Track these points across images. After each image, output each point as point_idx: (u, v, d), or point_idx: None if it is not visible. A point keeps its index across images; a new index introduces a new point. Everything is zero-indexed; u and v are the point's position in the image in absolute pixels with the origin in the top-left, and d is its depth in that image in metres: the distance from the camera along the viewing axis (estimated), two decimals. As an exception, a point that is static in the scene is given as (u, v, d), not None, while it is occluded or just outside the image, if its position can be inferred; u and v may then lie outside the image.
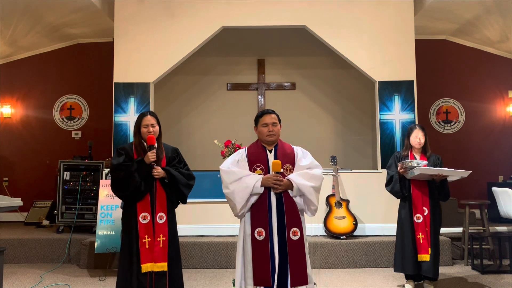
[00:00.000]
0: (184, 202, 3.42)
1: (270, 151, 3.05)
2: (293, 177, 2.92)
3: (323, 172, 3.06)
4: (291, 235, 2.88)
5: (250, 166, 3.01)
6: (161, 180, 3.27)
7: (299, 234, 2.89)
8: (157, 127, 3.33)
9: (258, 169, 2.99)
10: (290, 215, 2.90)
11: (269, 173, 2.95)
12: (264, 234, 2.87)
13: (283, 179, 2.90)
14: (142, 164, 3.21)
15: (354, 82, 7.51)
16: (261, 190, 2.89)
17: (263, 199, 2.90)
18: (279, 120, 3.13)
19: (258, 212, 2.91)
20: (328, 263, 5.23)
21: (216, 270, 5.21)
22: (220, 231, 5.68)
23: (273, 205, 2.90)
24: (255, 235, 2.88)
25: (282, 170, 2.94)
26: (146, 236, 3.19)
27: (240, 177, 2.92)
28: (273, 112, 3.13)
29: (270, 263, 2.82)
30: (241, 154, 3.08)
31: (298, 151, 3.09)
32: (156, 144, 3.29)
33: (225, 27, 6.18)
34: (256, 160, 3.02)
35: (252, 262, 2.86)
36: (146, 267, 3.15)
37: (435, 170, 4.05)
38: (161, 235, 3.21)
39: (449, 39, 7.65)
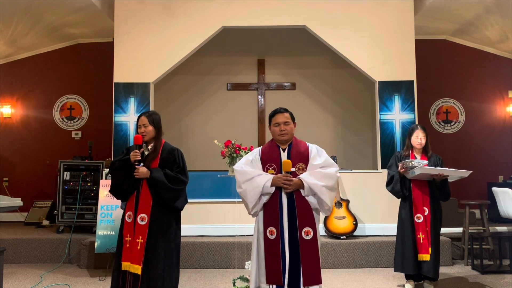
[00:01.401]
0: (176, 206, 3.25)
1: (284, 150, 3.03)
2: (304, 176, 2.90)
3: (337, 171, 3.00)
4: (303, 234, 2.86)
5: (263, 166, 3.00)
6: (149, 180, 3.23)
7: (311, 233, 2.87)
8: (149, 127, 3.28)
9: (270, 168, 2.98)
10: (302, 214, 2.88)
11: (281, 172, 2.93)
12: (275, 233, 2.87)
13: (293, 178, 2.88)
14: (127, 163, 3.21)
15: (354, 82, 7.51)
16: (272, 190, 2.88)
17: (274, 198, 2.90)
18: (293, 119, 3.10)
19: (269, 211, 2.91)
20: (328, 263, 5.24)
21: (216, 270, 5.21)
22: (220, 231, 5.68)
23: (284, 205, 2.89)
24: (267, 234, 2.89)
25: (293, 169, 2.92)
26: (128, 235, 3.18)
27: (252, 177, 2.92)
28: (286, 110, 3.10)
29: (281, 262, 2.82)
30: (255, 154, 3.07)
31: (313, 149, 3.05)
32: (150, 145, 3.28)
33: (225, 27, 6.18)
34: (269, 160, 3.01)
35: (264, 260, 2.87)
36: (124, 265, 3.16)
37: (436, 170, 4.06)
38: (140, 237, 3.15)
39: (449, 39, 7.65)
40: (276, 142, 3.09)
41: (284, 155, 3.01)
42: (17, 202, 3.86)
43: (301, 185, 2.88)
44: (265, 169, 2.99)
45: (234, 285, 3.99)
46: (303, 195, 2.89)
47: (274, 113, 3.11)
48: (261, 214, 2.95)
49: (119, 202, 4.84)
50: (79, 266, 5.35)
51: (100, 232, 5.00)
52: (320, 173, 2.92)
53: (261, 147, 3.15)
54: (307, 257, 2.84)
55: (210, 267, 5.29)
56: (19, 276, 4.90)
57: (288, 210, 2.88)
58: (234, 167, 3.05)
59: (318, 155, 3.02)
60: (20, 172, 7.50)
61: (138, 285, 3.10)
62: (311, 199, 2.91)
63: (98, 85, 7.54)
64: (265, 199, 2.92)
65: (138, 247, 3.13)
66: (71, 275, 4.99)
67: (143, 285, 3.11)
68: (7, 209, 3.84)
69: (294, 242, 2.85)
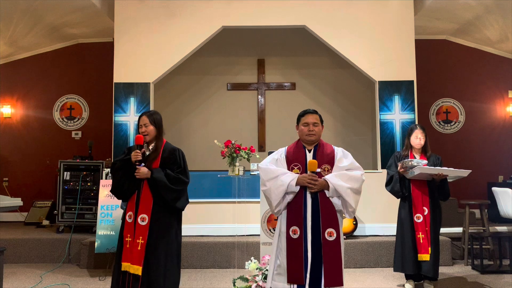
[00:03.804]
0: (177, 206, 3.25)
1: (310, 151, 3.02)
2: (330, 177, 2.88)
3: (363, 174, 2.98)
4: (326, 235, 2.85)
5: (288, 165, 2.99)
6: (149, 181, 3.22)
7: (335, 235, 2.85)
8: (150, 127, 3.28)
9: (295, 168, 2.97)
10: (326, 215, 2.87)
11: (306, 172, 2.92)
12: (298, 233, 2.86)
13: (319, 179, 2.86)
14: (128, 163, 3.20)
15: (354, 82, 7.51)
16: (296, 189, 2.86)
17: (299, 198, 2.89)
18: (321, 121, 3.10)
19: (293, 210, 2.90)
20: (328, 263, 5.23)
21: (216, 270, 5.21)
22: (220, 231, 5.68)
23: (308, 205, 2.88)
24: (290, 233, 2.88)
25: (319, 170, 2.91)
26: (129, 235, 3.17)
27: (276, 175, 2.91)
28: (316, 112, 3.10)
29: (303, 262, 2.82)
30: (280, 153, 3.07)
31: (339, 151, 3.03)
32: (151, 145, 3.28)
33: (225, 27, 6.18)
34: (294, 159, 3.00)
35: (286, 260, 2.86)
36: (124, 266, 3.15)
37: (435, 169, 4.06)
38: (140, 238, 3.13)
39: (449, 39, 7.66)
40: (302, 142, 3.08)
41: (309, 156, 3.00)
42: (17, 202, 3.85)
43: (326, 185, 2.86)
44: (290, 169, 2.97)
45: (234, 285, 3.99)
46: (327, 196, 2.88)
47: (304, 113, 3.10)
48: (284, 213, 2.94)
49: (119, 202, 4.84)
50: (79, 266, 5.35)
51: (100, 232, 5.00)
52: (346, 175, 2.90)
53: (286, 146, 3.13)
54: (329, 258, 2.82)
55: (210, 267, 5.29)
56: (19, 276, 4.90)
57: (312, 210, 2.87)
58: (259, 165, 3.05)
59: (344, 157, 3.01)
60: (20, 172, 7.50)
61: (138, 286, 3.09)
62: (335, 201, 2.89)
63: (98, 85, 7.54)
64: (289, 198, 2.90)
65: (139, 248, 3.12)
66: (71, 275, 4.99)
67: (143, 286, 3.10)
68: (7, 209, 3.84)
69: (317, 243, 2.84)
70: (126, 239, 3.17)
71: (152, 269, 3.13)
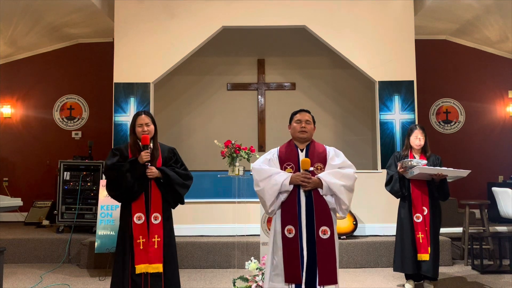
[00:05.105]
0: (182, 202, 3.40)
1: (302, 150, 3.03)
2: (323, 175, 2.90)
3: (355, 172, 3.01)
4: (320, 233, 2.86)
5: (281, 165, 3.00)
6: (157, 180, 3.25)
7: (329, 233, 2.86)
8: (151, 126, 3.29)
9: (288, 167, 2.98)
10: (320, 213, 2.88)
11: (299, 171, 2.93)
12: (293, 232, 2.87)
13: (312, 177, 2.88)
14: (135, 164, 3.19)
15: (354, 82, 7.51)
16: (290, 187, 2.88)
17: (293, 197, 2.90)
18: (314, 122, 3.13)
19: (287, 209, 2.91)
20: (328, 263, 5.23)
21: (216, 270, 5.21)
22: (220, 231, 5.68)
23: (302, 203, 2.89)
24: (285, 232, 2.89)
25: (312, 168, 2.92)
26: (141, 236, 3.17)
27: (269, 175, 2.92)
28: (309, 112, 3.15)
29: (300, 261, 2.83)
30: (272, 153, 3.08)
31: (331, 150, 3.06)
32: (151, 144, 3.28)
33: (225, 27, 6.18)
34: (287, 159, 3.01)
35: (283, 259, 2.87)
36: (140, 268, 3.14)
37: (435, 169, 4.06)
38: (156, 236, 3.18)
39: (449, 39, 7.65)
40: (294, 141, 3.10)
41: (302, 155, 3.01)
42: (17, 202, 3.85)
43: (319, 184, 2.87)
44: (283, 168, 2.98)
45: (234, 285, 3.99)
46: (321, 194, 2.89)
47: (297, 111, 3.15)
48: (278, 213, 2.95)
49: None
50: (79, 266, 5.35)
51: (100, 232, 5.00)
52: (339, 173, 2.92)
53: (279, 147, 3.14)
54: (324, 256, 2.83)
55: (210, 267, 5.29)
56: (19, 276, 4.90)
57: (306, 208, 2.88)
58: (252, 165, 3.06)
59: (336, 155, 3.03)
60: (20, 172, 7.50)
61: (161, 284, 3.14)
62: (329, 199, 2.90)
63: (98, 85, 7.54)
64: (283, 197, 2.91)
65: (156, 246, 3.17)
66: (71, 275, 4.99)
67: (166, 281, 3.17)
68: (7, 209, 3.83)
69: (311, 241, 2.85)
70: (138, 240, 3.16)
71: (170, 264, 3.23)
